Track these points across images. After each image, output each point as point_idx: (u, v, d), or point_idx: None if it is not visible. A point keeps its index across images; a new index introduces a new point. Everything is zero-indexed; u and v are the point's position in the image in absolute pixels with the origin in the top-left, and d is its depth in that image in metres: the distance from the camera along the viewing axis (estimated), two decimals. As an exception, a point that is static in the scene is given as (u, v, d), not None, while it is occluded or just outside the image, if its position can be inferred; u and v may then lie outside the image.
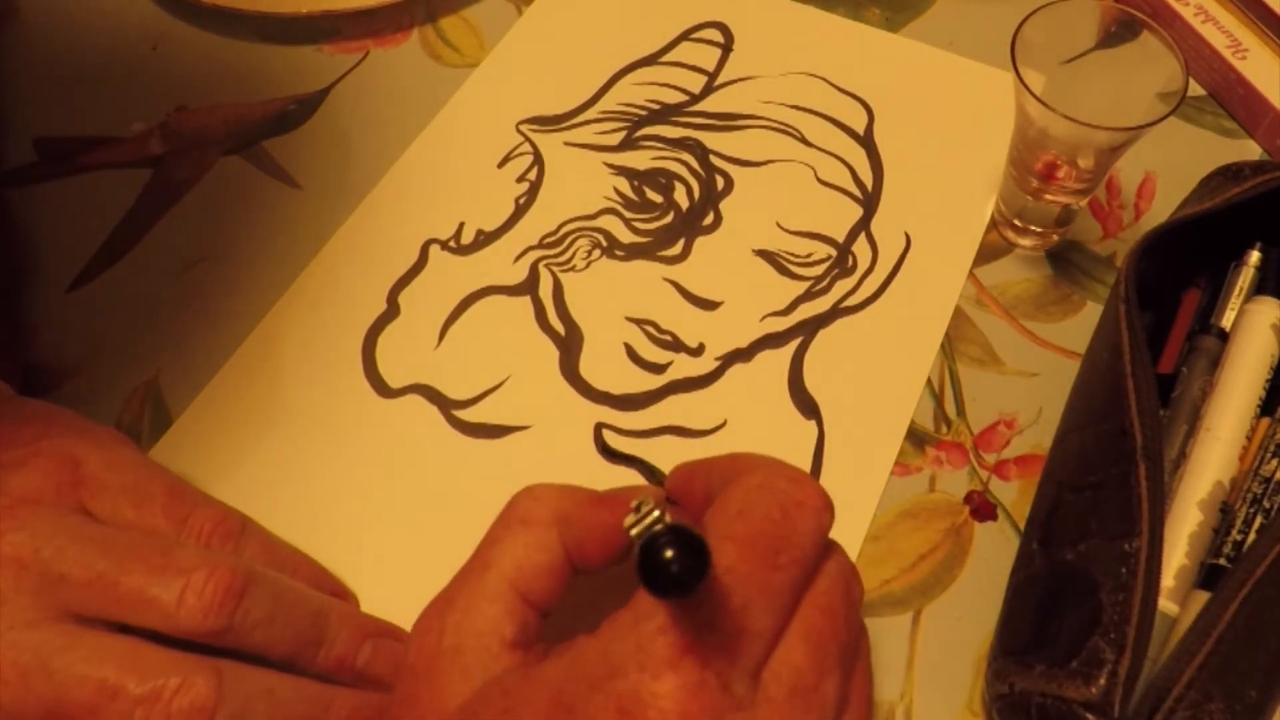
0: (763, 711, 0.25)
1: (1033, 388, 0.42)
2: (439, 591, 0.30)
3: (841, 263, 0.45)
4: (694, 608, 0.25)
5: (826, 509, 0.28)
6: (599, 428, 0.41)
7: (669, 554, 0.20)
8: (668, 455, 0.40)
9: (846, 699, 0.28)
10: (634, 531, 0.23)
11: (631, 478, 0.40)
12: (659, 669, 0.24)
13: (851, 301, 0.44)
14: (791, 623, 0.27)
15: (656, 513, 0.23)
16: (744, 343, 0.43)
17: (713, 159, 0.49)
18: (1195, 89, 0.51)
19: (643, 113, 0.50)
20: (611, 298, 0.44)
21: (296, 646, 0.32)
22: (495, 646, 0.28)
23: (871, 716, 0.31)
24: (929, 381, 0.42)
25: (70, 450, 0.33)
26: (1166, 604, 0.34)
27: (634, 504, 0.24)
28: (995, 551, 0.39)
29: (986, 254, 0.46)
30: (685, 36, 0.53)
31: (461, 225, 0.47)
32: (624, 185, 0.48)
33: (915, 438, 0.41)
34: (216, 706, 0.29)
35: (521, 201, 0.47)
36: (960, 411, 0.42)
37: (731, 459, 0.31)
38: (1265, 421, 0.37)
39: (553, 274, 0.45)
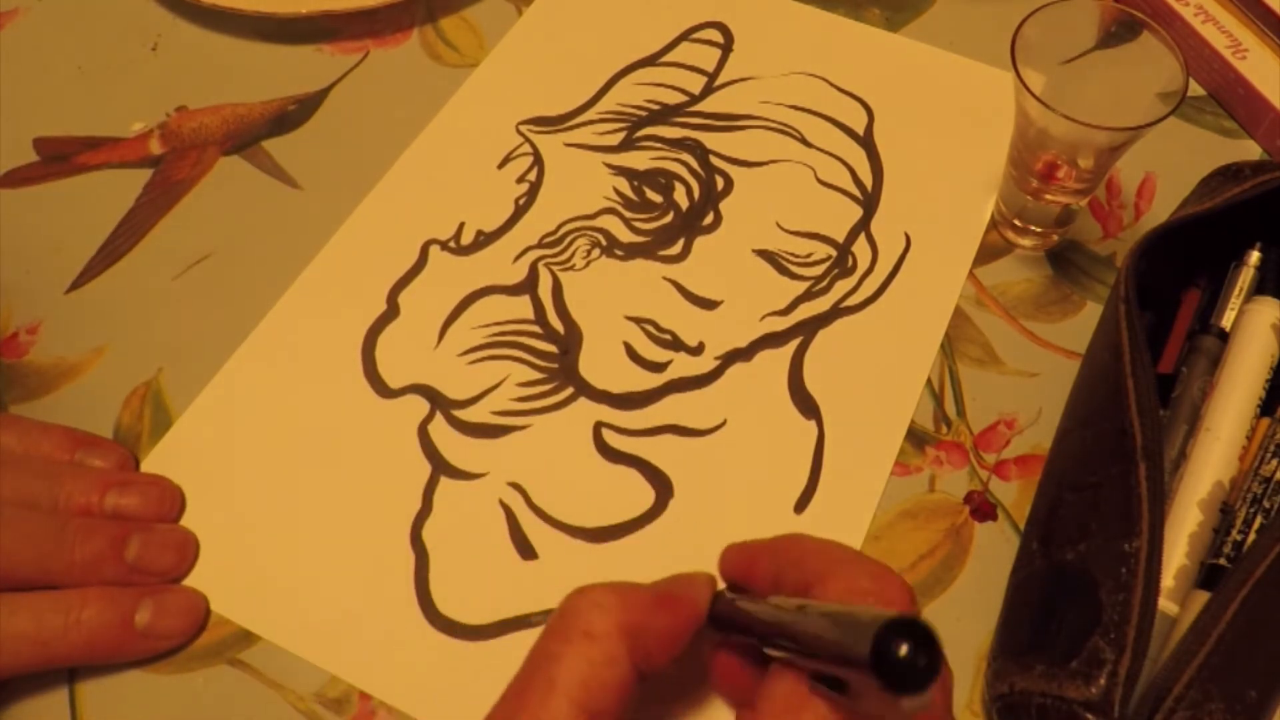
0: None
1: (1033, 388, 0.42)
2: (496, 707, 0.28)
3: (841, 263, 0.45)
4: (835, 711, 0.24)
5: (912, 602, 0.27)
6: (598, 427, 0.41)
7: (905, 649, 0.19)
8: (668, 454, 0.40)
9: None
10: (864, 633, 0.21)
11: (631, 477, 0.40)
12: None
13: (851, 301, 0.44)
14: None
15: (875, 610, 0.21)
16: (744, 342, 0.43)
17: (712, 159, 0.49)
18: (1195, 89, 0.51)
19: (642, 113, 0.50)
20: (611, 297, 0.44)
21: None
22: None
23: None
24: (929, 381, 0.42)
25: None
26: (1166, 604, 0.34)
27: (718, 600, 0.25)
28: (995, 551, 0.39)
29: (986, 254, 0.46)
30: (685, 37, 0.53)
31: (461, 225, 0.47)
32: (624, 185, 0.48)
33: (915, 438, 0.41)
34: None
35: (521, 202, 0.47)
36: (960, 411, 0.42)
37: (796, 546, 0.29)
38: (1265, 421, 0.37)
39: (552, 273, 0.45)
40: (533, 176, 0.48)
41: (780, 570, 0.29)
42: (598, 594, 0.28)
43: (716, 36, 0.53)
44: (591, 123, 0.50)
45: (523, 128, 0.50)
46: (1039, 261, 0.46)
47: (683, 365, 0.43)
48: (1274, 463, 0.36)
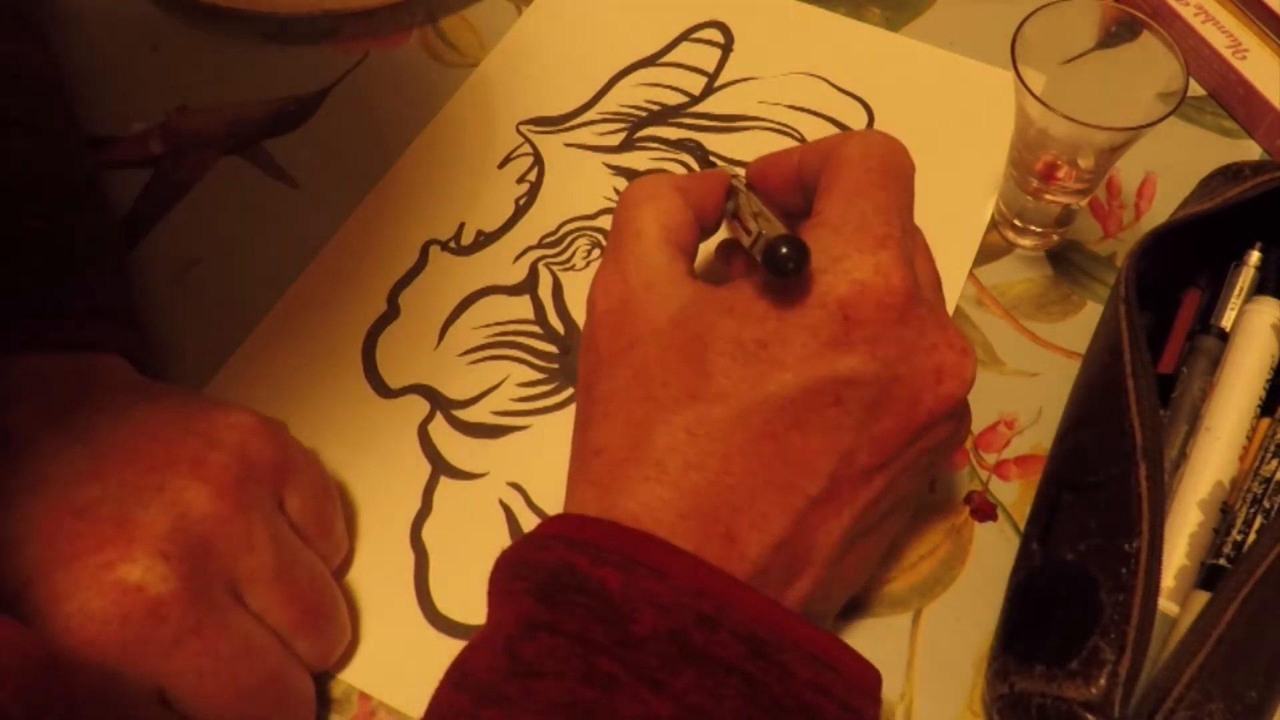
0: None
1: (1033, 388, 0.42)
2: (597, 271, 0.33)
3: (841, 263, 0.45)
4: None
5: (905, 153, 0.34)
6: (599, 428, 0.41)
7: (784, 250, 0.28)
8: (667, 455, 0.40)
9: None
10: (752, 241, 0.30)
11: (631, 478, 0.40)
12: (870, 247, 0.30)
13: (851, 301, 0.44)
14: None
15: (769, 225, 0.30)
16: (744, 343, 0.43)
17: (713, 160, 0.49)
18: (1195, 89, 0.51)
19: (643, 114, 0.50)
20: (611, 298, 0.44)
21: None
22: (680, 277, 0.32)
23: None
24: (929, 381, 0.42)
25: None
26: (1166, 604, 0.34)
27: (731, 194, 0.34)
28: (995, 551, 0.39)
29: (986, 254, 0.46)
30: (685, 37, 0.53)
31: (461, 226, 0.47)
32: (624, 186, 0.48)
33: (915, 438, 0.41)
34: None
35: (521, 202, 0.47)
36: (960, 411, 0.42)
37: (815, 144, 0.35)
38: (1265, 421, 0.37)
39: (552, 273, 0.45)
40: (533, 177, 0.48)
41: (804, 165, 0.35)
42: (644, 180, 0.34)
43: (716, 36, 0.53)
44: (592, 123, 0.50)
45: (523, 128, 0.50)
46: (1039, 261, 0.46)
47: (683, 365, 0.43)
48: (1274, 463, 0.36)
